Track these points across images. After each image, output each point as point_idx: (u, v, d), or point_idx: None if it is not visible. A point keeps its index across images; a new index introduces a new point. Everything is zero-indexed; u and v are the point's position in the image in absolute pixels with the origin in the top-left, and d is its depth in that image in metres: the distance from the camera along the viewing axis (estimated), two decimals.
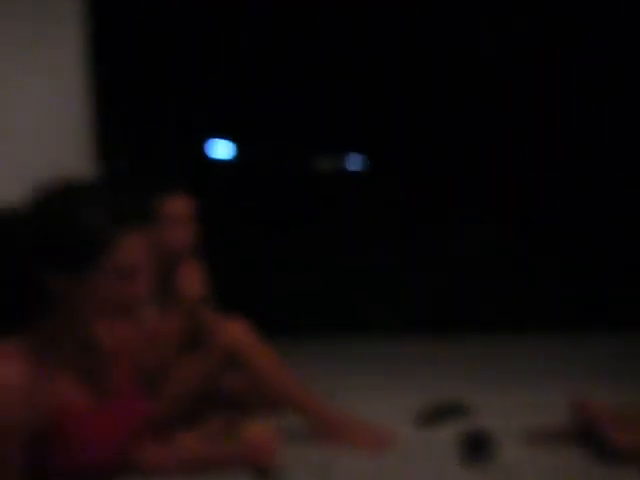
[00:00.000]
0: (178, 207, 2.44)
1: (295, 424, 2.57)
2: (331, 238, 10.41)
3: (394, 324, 4.59)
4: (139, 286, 1.17)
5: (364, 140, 6.80)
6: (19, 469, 1.12)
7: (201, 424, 2.55)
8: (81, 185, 1.18)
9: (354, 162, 7.28)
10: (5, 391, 1.09)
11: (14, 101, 2.76)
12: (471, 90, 5.89)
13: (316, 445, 2.50)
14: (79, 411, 1.20)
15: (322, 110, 6.23)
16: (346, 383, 3.09)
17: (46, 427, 1.15)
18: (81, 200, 1.14)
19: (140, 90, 5.42)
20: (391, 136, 6.29)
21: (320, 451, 2.48)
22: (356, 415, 2.59)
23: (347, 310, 5.46)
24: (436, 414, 2.76)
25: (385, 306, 5.49)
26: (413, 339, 3.99)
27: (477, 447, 2.34)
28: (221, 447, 1.69)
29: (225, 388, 2.73)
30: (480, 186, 6.18)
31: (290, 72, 5.94)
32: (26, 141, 2.73)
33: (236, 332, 2.50)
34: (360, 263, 7.86)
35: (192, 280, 2.41)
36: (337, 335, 4.43)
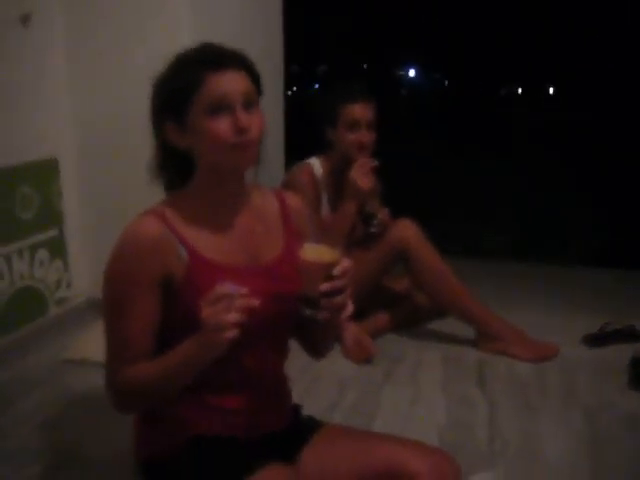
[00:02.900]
0: (357, 112, 2.58)
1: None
2: (513, 161, 10.09)
3: (572, 255, 4.41)
4: (236, 120, 1.18)
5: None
6: (151, 314, 1.23)
7: (366, 320, 2.73)
8: (187, 50, 1.28)
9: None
10: (136, 241, 1.22)
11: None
12: None
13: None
14: (212, 266, 1.24)
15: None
16: (518, 302, 3.09)
17: (177, 277, 1.22)
18: (185, 55, 1.26)
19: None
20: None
21: (478, 354, 2.58)
22: (524, 329, 2.62)
23: (522, 237, 5.32)
24: (606, 336, 2.70)
25: (567, 237, 5.28)
26: (592, 271, 3.84)
27: None
28: None
29: (391, 288, 2.87)
30: None
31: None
32: None
33: (406, 230, 2.61)
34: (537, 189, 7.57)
35: (364, 174, 2.53)
36: (511, 259, 4.36)
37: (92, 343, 2.52)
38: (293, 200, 1.44)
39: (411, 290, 2.81)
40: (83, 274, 2.94)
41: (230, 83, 1.22)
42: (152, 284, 1.23)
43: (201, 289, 1.17)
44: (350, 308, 1.23)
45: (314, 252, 1.18)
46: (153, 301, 1.24)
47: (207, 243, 1.27)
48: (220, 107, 1.21)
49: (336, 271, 1.16)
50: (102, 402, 2.14)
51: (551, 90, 36.00)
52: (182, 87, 1.23)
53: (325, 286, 1.16)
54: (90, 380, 2.34)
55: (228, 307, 1.09)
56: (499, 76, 35.53)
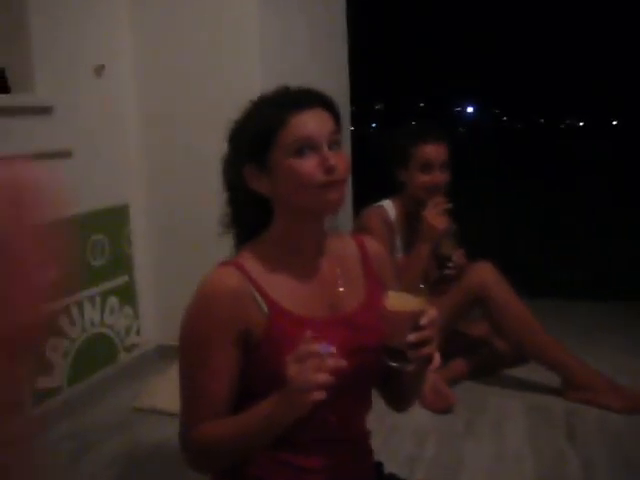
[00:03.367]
0: (430, 153, 2.52)
1: None
2: (579, 195, 9.81)
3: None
4: (323, 160, 1.14)
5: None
6: (230, 368, 1.17)
7: (442, 367, 2.61)
8: (266, 93, 1.24)
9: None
10: (216, 294, 1.17)
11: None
12: None
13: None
14: (292, 318, 1.18)
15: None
16: (601, 345, 2.92)
17: (257, 330, 1.17)
18: (264, 97, 1.23)
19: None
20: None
21: (565, 404, 2.42)
22: (611, 376, 2.46)
23: (599, 273, 5.09)
24: None
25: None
26: None
27: None
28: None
29: (469, 334, 2.74)
30: None
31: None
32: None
33: (485, 274, 2.52)
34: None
35: (438, 214, 2.45)
36: (589, 297, 4.16)
37: (162, 392, 2.48)
38: (373, 245, 1.37)
39: (489, 335, 2.68)
40: (152, 321, 2.93)
41: (315, 123, 1.17)
42: (232, 338, 1.17)
43: (281, 343, 1.13)
44: (437, 359, 1.15)
45: (399, 301, 1.11)
46: (233, 355, 1.18)
47: (287, 293, 1.21)
48: (306, 147, 1.16)
49: (423, 321, 1.09)
50: (173, 455, 2.12)
51: (614, 122, 35.24)
52: (264, 129, 1.18)
53: (413, 337, 1.09)
54: (160, 431, 2.31)
55: (317, 367, 1.02)
56: (559, 109, 35.08)
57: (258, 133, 1.19)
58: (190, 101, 2.76)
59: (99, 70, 2.61)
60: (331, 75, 3.20)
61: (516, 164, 14.73)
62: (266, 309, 1.18)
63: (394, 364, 1.12)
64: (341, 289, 1.25)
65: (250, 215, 1.27)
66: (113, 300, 2.72)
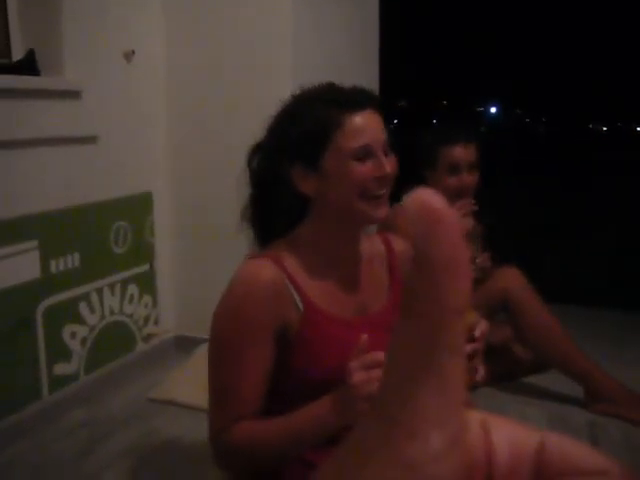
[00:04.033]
0: (458, 155, 2.48)
1: None
2: (603, 200, 9.70)
3: None
4: (380, 167, 1.13)
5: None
6: (264, 363, 1.15)
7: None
8: (309, 89, 1.22)
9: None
10: (255, 286, 1.14)
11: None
12: None
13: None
14: (325, 317, 1.17)
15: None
16: (628, 356, 2.87)
17: (292, 326, 1.16)
18: (312, 94, 1.19)
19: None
20: None
21: (587, 415, 2.37)
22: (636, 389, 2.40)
23: (627, 281, 5.01)
24: None
25: None
26: None
27: None
28: None
29: (490, 340, 2.70)
30: None
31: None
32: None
33: (511, 280, 2.48)
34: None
35: (463, 216, 2.42)
36: (614, 305, 4.10)
37: (179, 384, 2.46)
38: (400, 244, 1.36)
39: (511, 341, 2.64)
40: (171, 311, 2.91)
41: (372, 127, 1.16)
42: (268, 332, 1.16)
43: (316, 343, 1.13)
44: (482, 371, 1.14)
45: None
46: (267, 350, 1.16)
47: (319, 292, 1.20)
48: (365, 152, 1.15)
49: (477, 332, 1.13)
50: (188, 448, 2.11)
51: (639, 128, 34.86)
52: (319, 128, 1.15)
53: (468, 348, 1.12)
54: (176, 423, 2.29)
55: None
56: (583, 113, 34.76)
57: (311, 132, 1.16)
58: (220, 90, 2.73)
59: (129, 55, 2.58)
60: (362, 68, 3.15)
61: (538, 165, 14.58)
62: (301, 305, 1.17)
63: None
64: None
65: (283, 213, 1.26)
66: (133, 288, 2.71)
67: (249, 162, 1.27)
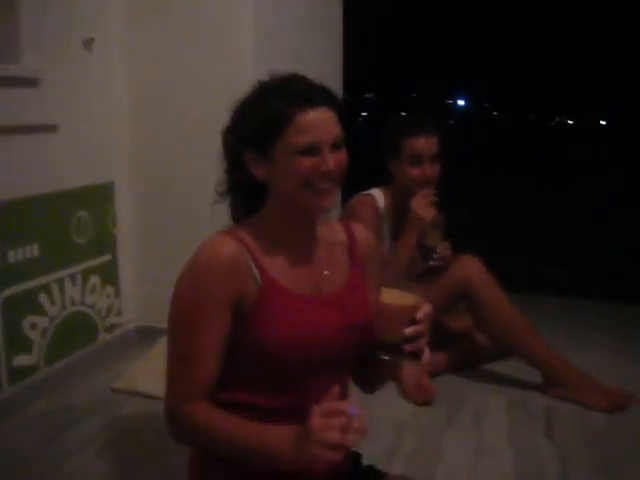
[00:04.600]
0: (421, 146, 2.50)
1: None
2: (568, 191, 9.87)
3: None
4: (323, 162, 1.18)
5: None
6: (222, 335, 1.18)
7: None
8: (272, 80, 1.26)
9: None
10: (215, 260, 1.18)
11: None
12: None
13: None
14: (281, 290, 1.22)
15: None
16: (584, 343, 2.94)
17: (249, 300, 1.19)
18: (272, 85, 1.24)
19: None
20: None
21: (545, 400, 2.43)
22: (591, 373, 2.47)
23: (586, 270, 5.11)
24: None
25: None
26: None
27: None
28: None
29: (451, 327, 2.74)
30: None
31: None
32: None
33: (470, 268, 2.51)
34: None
35: (425, 205, 2.44)
36: (575, 294, 4.18)
37: (141, 374, 2.46)
38: (362, 233, 1.41)
39: (471, 329, 2.68)
40: (134, 302, 2.90)
41: (321, 125, 1.19)
42: (226, 305, 1.19)
43: (271, 314, 1.18)
44: (427, 353, 1.18)
45: (395, 296, 1.15)
46: (225, 322, 1.19)
47: (277, 268, 1.24)
48: (309, 150, 1.19)
49: (419, 315, 1.14)
50: (151, 437, 2.10)
51: (603, 122, 35.47)
52: (269, 121, 1.20)
53: (409, 330, 1.13)
54: (139, 412, 2.29)
55: (342, 426, 1.01)
56: (550, 107, 35.22)
57: (263, 123, 1.21)
58: (183, 77, 2.71)
59: (88, 43, 2.55)
60: (325, 61, 3.16)
61: (505, 158, 14.75)
62: (260, 280, 1.21)
63: (388, 357, 1.15)
64: (325, 272, 1.29)
65: (247, 194, 1.31)
66: (95, 279, 2.68)
67: (223, 138, 1.30)
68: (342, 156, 1.22)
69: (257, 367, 1.20)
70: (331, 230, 1.36)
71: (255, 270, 1.21)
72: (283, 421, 1.18)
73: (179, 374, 1.21)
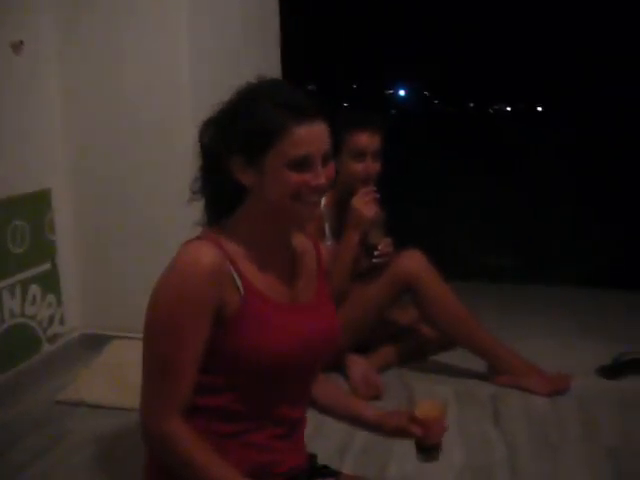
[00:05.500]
0: (364, 141, 2.51)
1: None
2: (508, 178, 10.08)
3: (581, 276, 4.30)
4: (315, 177, 1.18)
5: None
6: (202, 344, 1.17)
7: (372, 353, 2.64)
8: (262, 84, 1.25)
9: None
10: (197, 268, 1.16)
11: None
12: None
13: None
14: (263, 300, 1.22)
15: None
16: (524, 329, 3.02)
17: (230, 308, 1.18)
18: (262, 92, 1.22)
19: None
20: None
21: (491, 388, 2.48)
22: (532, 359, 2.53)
23: (526, 257, 5.24)
24: (621, 366, 2.61)
25: (570, 257, 5.20)
26: (602, 292, 3.74)
27: None
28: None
29: (396, 321, 2.77)
30: None
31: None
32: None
33: (412, 261, 2.52)
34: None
35: (367, 203, 2.45)
36: (515, 281, 4.28)
37: (87, 384, 2.42)
38: (324, 249, 1.44)
39: (417, 322, 2.72)
40: (76, 309, 2.83)
41: (315, 140, 1.19)
42: (207, 314, 1.17)
43: (253, 323, 1.18)
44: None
45: (428, 408, 1.36)
46: (205, 331, 1.18)
47: (257, 277, 1.24)
48: (303, 163, 1.18)
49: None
50: (100, 448, 2.07)
51: (539, 108, 36.35)
52: (263, 130, 1.18)
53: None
54: (86, 423, 2.25)
55: None
56: (489, 94, 35.93)
57: (256, 132, 1.18)
58: (115, 80, 2.65)
59: (17, 46, 2.47)
60: (261, 56, 3.13)
61: (447, 147, 14.97)
62: (241, 288, 1.20)
63: (423, 459, 1.41)
64: (301, 282, 1.32)
65: (222, 195, 1.28)
66: (35, 289, 2.61)
67: (200, 136, 1.27)
68: (331, 170, 1.23)
69: (233, 373, 1.20)
70: (300, 239, 1.37)
71: (237, 278, 1.19)
72: (256, 427, 1.24)
73: (158, 388, 1.19)
